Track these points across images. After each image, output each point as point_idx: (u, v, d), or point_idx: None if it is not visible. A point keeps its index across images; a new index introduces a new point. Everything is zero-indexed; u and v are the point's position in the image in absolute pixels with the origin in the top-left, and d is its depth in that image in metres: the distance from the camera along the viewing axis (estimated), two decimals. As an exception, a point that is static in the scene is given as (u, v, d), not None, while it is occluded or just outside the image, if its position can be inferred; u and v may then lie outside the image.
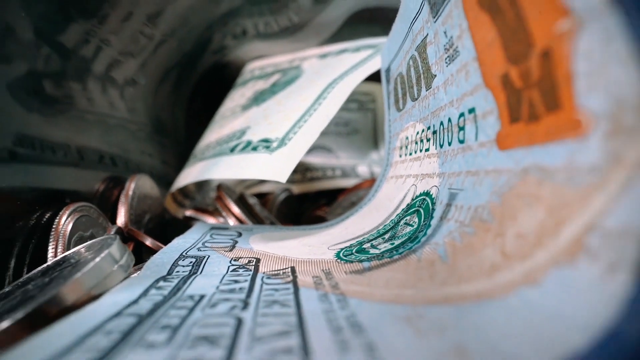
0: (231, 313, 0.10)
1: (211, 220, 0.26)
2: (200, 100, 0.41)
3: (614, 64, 0.07)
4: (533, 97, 0.09)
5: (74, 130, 0.27)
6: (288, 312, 0.10)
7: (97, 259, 0.12)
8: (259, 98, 0.29)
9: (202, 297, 0.11)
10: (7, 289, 0.15)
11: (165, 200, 0.30)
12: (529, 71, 0.09)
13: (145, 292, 0.12)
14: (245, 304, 0.10)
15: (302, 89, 0.26)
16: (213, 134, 0.30)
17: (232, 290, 0.12)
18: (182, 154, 0.39)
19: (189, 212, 0.27)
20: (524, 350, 0.07)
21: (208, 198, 0.34)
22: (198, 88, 0.40)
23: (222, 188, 0.26)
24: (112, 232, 0.20)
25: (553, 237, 0.08)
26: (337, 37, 0.35)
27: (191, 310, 0.10)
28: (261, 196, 0.35)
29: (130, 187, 0.24)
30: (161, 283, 0.13)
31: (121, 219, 0.23)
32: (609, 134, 0.07)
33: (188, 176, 0.27)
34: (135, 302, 0.11)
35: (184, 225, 0.29)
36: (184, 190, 0.32)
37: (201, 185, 0.34)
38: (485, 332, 0.08)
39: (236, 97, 0.34)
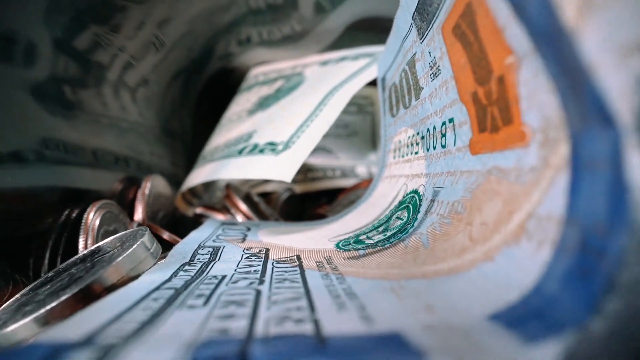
0: (250, 287, 0.12)
1: (220, 217, 0.28)
2: (207, 104, 0.43)
3: (542, 91, 0.09)
4: (494, 112, 0.12)
5: (92, 133, 0.29)
6: (296, 286, 0.12)
7: (134, 246, 0.15)
8: (264, 103, 0.32)
9: (224, 276, 0.14)
10: (50, 274, 0.17)
11: (176, 199, 0.33)
12: (491, 92, 0.12)
13: (175, 273, 0.14)
14: (261, 281, 0.13)
15: (304, 95, 0.29)
16: (221, 137, 0.32)
17: (248, 272, 0.14)
18: (190, 155, 0.42)
19: (199, 210, 0.29)
20: (474, 305, 0.09)
21: (215, 197, 0.37)
22: (204, 92, 0.42)
23: (230, 187, 0.28)
24: (134, 227, 0.23)
25: (506, 223, 0.11)
26: (337, 44, 0.38)
27: (217, 285, 0.12)
28: (265, 195, 0.37)
29: (147, 186, 0.26)
30: (186, 267, 0.15)
31: (139, 215, 0.26)
32: (541, 143, 0.10)
33: (198, 176, 0.29)
34: (169, 280, 0.13)
35: (194, 222, 0.31)
36: (192, 190, 0.34)
37: (208, 185, 0.37)
38: (449, 295, 0.10)
39: (242, 102, 0.36)
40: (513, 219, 0.11)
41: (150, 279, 0.13)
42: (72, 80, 0.28)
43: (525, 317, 0.08)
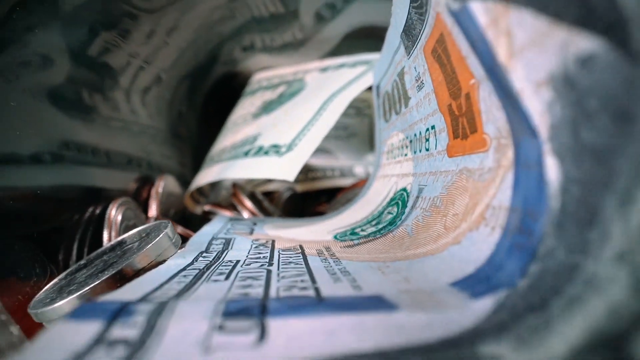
0: (261, 268, 0.15)
1: (227, 213, 0.31)
2: (212, 107, 0.46)
3: (494, 108, 0.12)
4: (464, 122, 0.14)
5: (107, 135, 0.32)
6: (300, 267, 0.15)
7: (160, 236, 0.18)
8: (267, 108, 0.35)
9: (238, 261, 0.16)
10: (82, 262, 0.20)
11: (185, 197, 0.35)
12: (461, 105, 0.14)
13: (195, 259, 0.17)
14: (270, 263, 0.15)
15: (305, 101, 0.31)
16: (227, 139, 0.35)
17: (258, 258, 0.17)
18: (196, 156, 0.44)
19: (207, 207, 0.32)
20: (441, 277, 0.12)
21: (220, 196, 0.39)
22: (210, 96, 0.45)
23: (237, 186, 0.31)
24: (151, 222, 0.25)
25: (471, 214, 0.13)
26: (336, 51, 0.41)
27: (234, 266, 0.15)
28: (268, 194, 0.40)
29: (160, 185, 0.29)
30: (204, 254, 0.18)
31: (153, 212, 0.28)
32: (496, 148, 0.12)
33: (207, 176, 0.32)
34: (191, 263, 0.16)
35: (202, 219, 0.34)
36: (200, 189, 0.37)
37: (214, 184, 0.39)
38: (423, 271, 0.13)
39: (246, 106, 0.39)
40: (476, 209, 0.13)
41: (176, 262, 0.16)
42: (89, 86, 0.31)
43: (475, 282, 0.11)
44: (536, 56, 0.09)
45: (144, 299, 0.11)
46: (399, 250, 0.16)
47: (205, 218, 0.33)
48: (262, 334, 0.09)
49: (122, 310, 0.09)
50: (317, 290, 0.11)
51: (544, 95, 0.09)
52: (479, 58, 0.11)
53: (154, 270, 0.14)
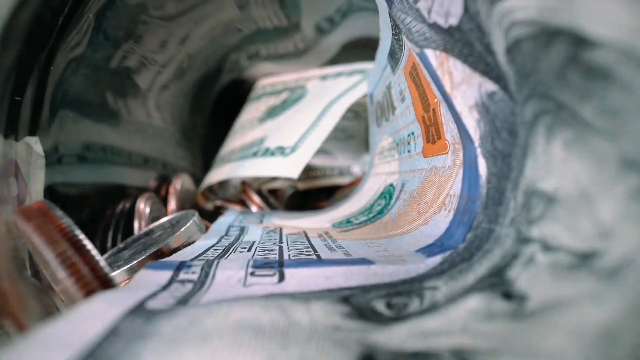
0: (274, 245, 0.19)
1: (237, 208, 0.35)
2: (220, 111, 0.50)
3: (450, 122, 0.16)
4: (432, 130, 0.19)
5: (126, 137, 0.36)
6: (304, 244, 0.19)
7: (189, 223, 0.22)
8: (272, 113, 0.39)
9: (254, 241, 0.21)
10: (121, 245, 0.24)
11: (197, 195, 0.40)
12: (430, 117, 0.19)
13: (219, 240, 0.21)
14: (280, 242, 0.20)
15: (307, 107, 0.36)
16: (236, 141, 0.39)
17: (270, 239, 0.21)
18: (205, 156, 0.49)
19: (219, 202, 0.37)
20: (410, 247, 0.16)
21: (228, 193, 0.44)
22: (218, 101, 0.49)
23: (246, 184, 0.35)
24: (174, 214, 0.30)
25: (436, 201, 0.18)
26: (335, 59, 0.45)
27: (252, 245, 0.20)
28: (272, 192, 0.44)
29: (178, 182, 0.34)
30: (225, 237, 0.22)
31: (172, 206, 0.33)
32: (452, 151, 0.17)
33: (218, 175, 0.37)
34: (217, 243, 0.20)
35: (213, 214, 0.38)
36: (210, 187, 0.41)
37: (223, 182, 0.44)
38: (398, 244, 0.17)
39: (252, 110, 0.43)
40: (440, 198, 0.18)
41: (204, 242, 0.21)
42: (112, 93, 0.35)
43: (432, 248, 0.15)
44: (466, 89, 0.13)
45: (194, 259, 0.15)
46: (383, 232, 0.20)
47: (216, 213, 0.38)
48: (281, 277, 0.13)
49: (181, 265, 0.14)
50: (318, 255, 0.16)
51: (474, 116, 0.14)
52: (436, 86, 0.16)
53: (189, 247, 0.19)
